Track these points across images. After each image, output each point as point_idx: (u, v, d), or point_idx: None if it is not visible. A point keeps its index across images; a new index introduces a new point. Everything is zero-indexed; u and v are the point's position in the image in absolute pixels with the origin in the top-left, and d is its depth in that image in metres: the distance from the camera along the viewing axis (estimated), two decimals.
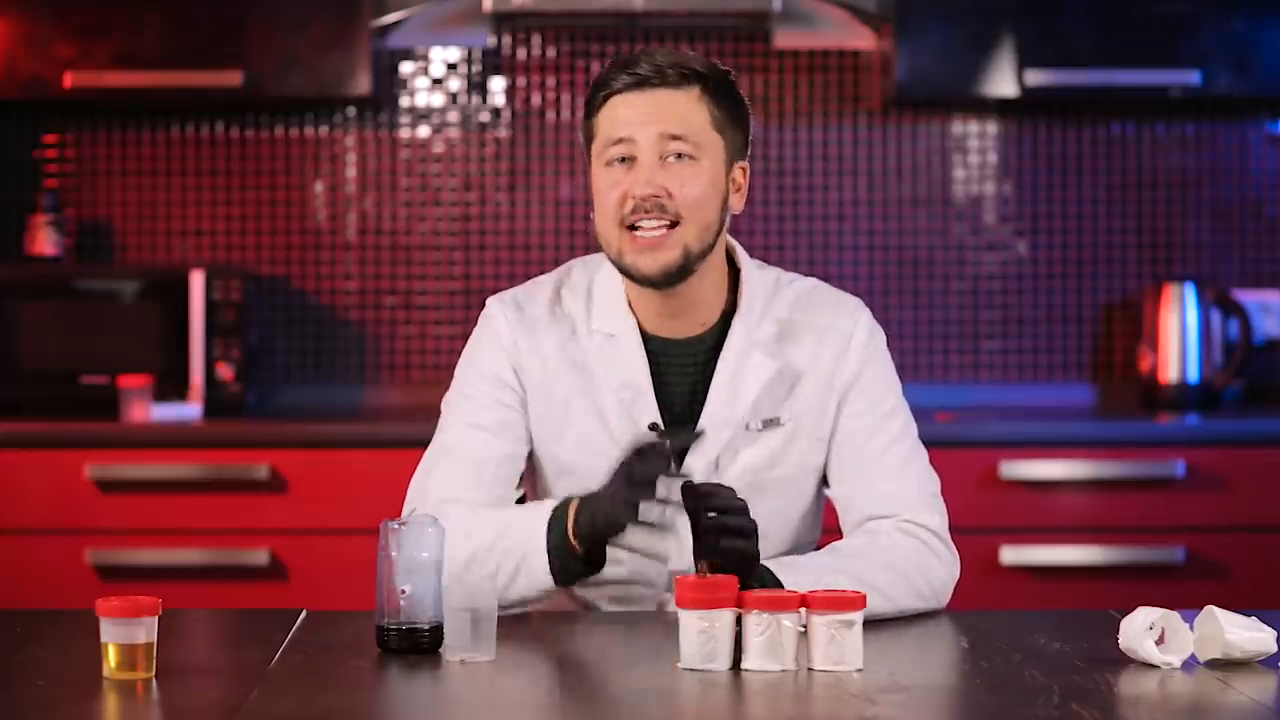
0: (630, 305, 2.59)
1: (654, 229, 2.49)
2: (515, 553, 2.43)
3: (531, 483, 2.67)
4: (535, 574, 2.43)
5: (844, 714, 2.00)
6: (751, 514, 2.55)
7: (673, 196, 2.48)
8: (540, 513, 2.45)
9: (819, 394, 2.60)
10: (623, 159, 2.50)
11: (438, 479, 2.57)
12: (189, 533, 4.17)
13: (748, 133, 2.58)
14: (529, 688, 2.15)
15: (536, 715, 2.04)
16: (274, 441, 4.19)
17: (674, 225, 2.49)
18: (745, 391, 2.57)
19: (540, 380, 2.60)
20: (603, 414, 2.58)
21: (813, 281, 2.67)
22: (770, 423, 2.58)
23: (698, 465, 2.56)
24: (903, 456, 2.60)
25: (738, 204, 2.57)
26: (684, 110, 2.49)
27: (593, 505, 2.39)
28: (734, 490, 2.38)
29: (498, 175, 4.82)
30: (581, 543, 2.40)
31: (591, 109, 2.53)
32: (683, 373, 2.59)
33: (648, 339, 2.59)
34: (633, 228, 2.50)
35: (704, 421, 2.57)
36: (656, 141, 2.48)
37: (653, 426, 2.56)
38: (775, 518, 2.60)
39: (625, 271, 2.53)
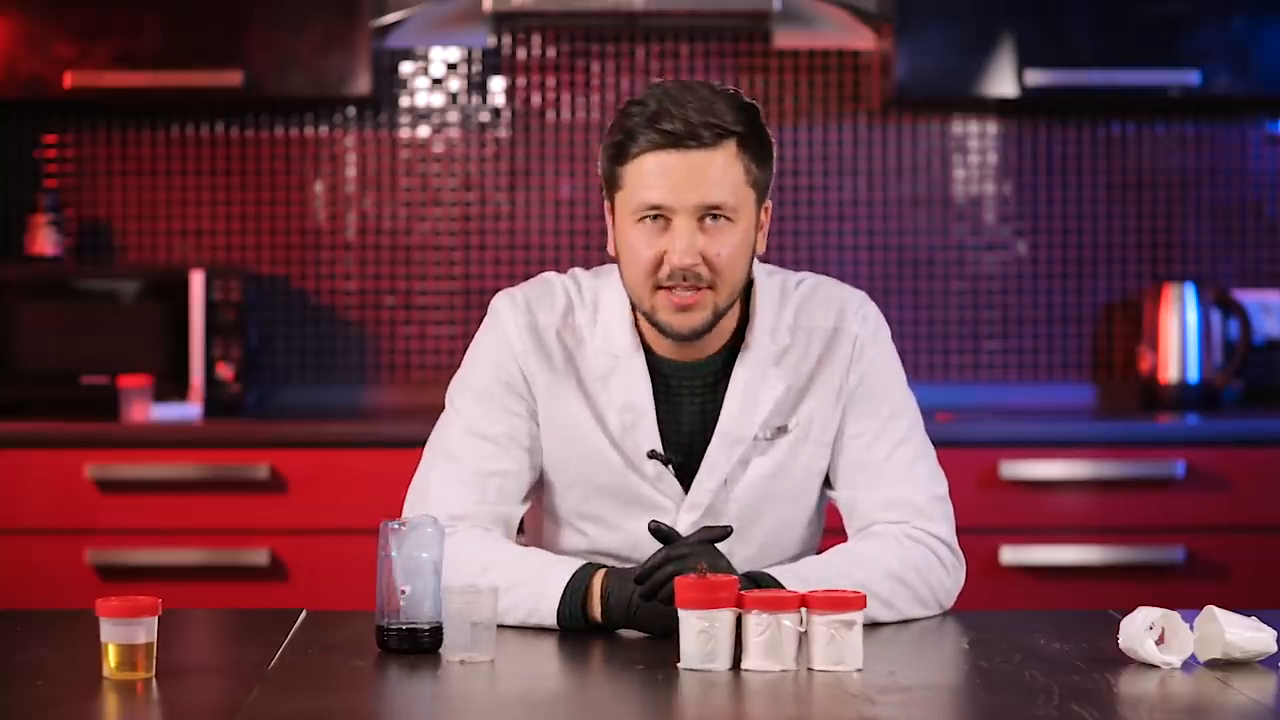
0: (637, 326, 2.56)
1: (688, 291, 2.45)
2: (525, 606, 2.42)
3: (536, 489, 2.64)
4: (542, 623, 2.42)
5: (844, 714, 2.00)
6: (759, 524, 2.57)
7: (709, 263, 2.44)
8: (558, 575, 2.41)
9: (827, 398, 2.58)
10: (656, 217, 2.45)
11: (440, 489, 2.55)
12: (189, 533, 4.16)
13: (772, 170, 2.52)
14: (529, 688, 2.15)
15: (536, 715, 2.04)
16: (274, 441, 4.18)
17: (708, 288, 2.46)
18: (758, 409, 2.56)
19: (548, 390, 2.57)
20: (608, 432, 2.56)
21: (815, 280, 2.64)
22: (779, 430, 2.57)
23: (708, 484, 2.55)
24: (909, 458, 2.59)
25: (761, 244, 2.53)
26: (720, 174, 2.43)
27: (636, 617, 2.36)
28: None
29: (498, 175, 4.82)
30: (605, 621, 2.39)
31: (618, 157, 2.46)
32: (694, 392, 2.57)
33: (657, 361, 2.56)
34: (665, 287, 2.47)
35: (715, 442, 2.55)
36: (694, 210, 2.43)
37: (652, 454, 2.54)
38: (782, 525, 2.60)
39: (655, 325, 2.50)
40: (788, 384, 2.56)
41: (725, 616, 2.16)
